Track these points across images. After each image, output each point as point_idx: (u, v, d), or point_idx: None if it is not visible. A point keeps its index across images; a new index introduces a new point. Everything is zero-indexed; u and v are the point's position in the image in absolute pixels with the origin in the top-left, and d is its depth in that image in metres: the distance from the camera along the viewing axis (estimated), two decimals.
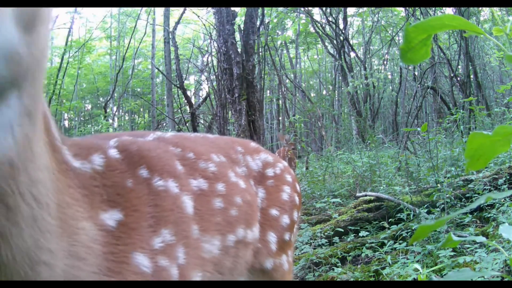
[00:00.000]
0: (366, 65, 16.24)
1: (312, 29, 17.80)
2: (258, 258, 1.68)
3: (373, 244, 3.80)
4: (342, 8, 14.16)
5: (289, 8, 14.44)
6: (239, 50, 7.51)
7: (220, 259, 1.43)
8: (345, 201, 5.66)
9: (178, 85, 9.70)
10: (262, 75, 12.11)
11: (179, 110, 14.96)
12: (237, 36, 7.91)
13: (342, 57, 14.03)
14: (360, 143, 9.13)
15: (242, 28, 7.81)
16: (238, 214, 1.52)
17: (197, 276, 1.29)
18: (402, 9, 14.35)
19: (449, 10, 10.69)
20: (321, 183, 7.25)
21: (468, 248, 3.17)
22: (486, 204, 3.94)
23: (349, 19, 16.76)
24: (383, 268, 3.19)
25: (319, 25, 15.94)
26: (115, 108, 21.22)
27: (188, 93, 16.56)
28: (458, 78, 10.94)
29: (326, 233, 4.23)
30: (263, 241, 1.70)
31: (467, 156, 1.01)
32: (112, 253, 1.03)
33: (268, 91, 21.48)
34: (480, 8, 12.90)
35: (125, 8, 19.67)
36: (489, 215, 3.78)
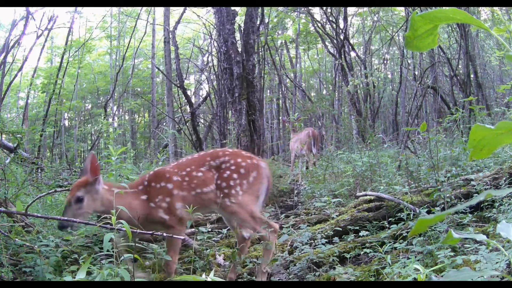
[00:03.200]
0: (366, 65, 16.23)
1: (312, 29, 17.80)
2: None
3: (373, 244, 3.80)
4: (342, 8, 14.15)
5: (289, 7, 14.44)
6: (239, 49, 7.51)
7: None
8: (346, 201, 5.66)
9: (178, 85, 9.71)
10: (262, 75, 12.11)
11: (179, 110, 14.97)
12: (237, 35, 7.91)
13: (342, 56, 14.03)
14: (360, 143, 9.13)
15: (242, 28, 7.81)
16: None
17: None
18: (402, 8, 14.35)
19: None
20: (321, 182, 7.25)
21: (469, 247, 3.18)
22: (486, 204, 3.95)
23: (349, 18, 16.74)
24: (384, 268, 3.19)
25: (319, 24, 15.93)
26: (115, 108, 21.23)
27: (188, 92, 16.55)
28: (458, 78, 10.94)
29: (326, 233, 4.23)
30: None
31: (470, 146, 1.02)
32: None
33: (268, 91, 21.47)
34: (480, 8, 12.90)
35: (125, 8, 19.65)
36: (489, 215, 3.79)
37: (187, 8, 12.62)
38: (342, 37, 14.11)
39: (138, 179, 3.67)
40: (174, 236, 3.10)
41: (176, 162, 3.75)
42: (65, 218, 2.95)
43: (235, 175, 3.56)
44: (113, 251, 2.62)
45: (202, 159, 3.65)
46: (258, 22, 8.71)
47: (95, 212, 3.28)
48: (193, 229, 4.51)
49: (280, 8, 14.49)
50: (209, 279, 1.87)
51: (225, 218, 3.92)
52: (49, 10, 19.57)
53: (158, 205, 3.37)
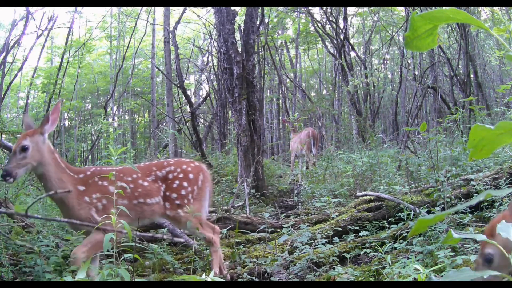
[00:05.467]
0: (366, 65, 16.22)
1: (312, 29, 17.79)
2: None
3: (373, 244, 3.80)
4: (342, 8, 14.14)
5: (289, 7, 14.43)
6: (239, 49, 7.50)
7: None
8: (346, 201, 5.67)
9: (178, 85, 9.70)
10: (262, 75, 12.10)
11: (179, 110, 14.96)
12: (237, 35, 7.91)
13: (342, 56, 14.02)
14: (360, 143, 9.14)
15: (242, 28, 7.80)
16: None
17: None
18: (402, 8, 14.34)
19: None
20: (321, 182, 7.25)
21: (469, 248, 3.18)
22: (486, 204, 3.95)
23: (349, 18, 16.73)
24: (384, 268, 3.19)
25: (319, 24, 15.92)
26: (115, 108, 21.21)
27: (188, 92, 16.54)
28: (458, 78, 10.94)
29: (326, 233, 4.23)
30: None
31: (470, 146, 1.02)
32: None
33: (268, 91, 21.45)
34: (480, 8, 12.89)
35: (125, 8, 19.64)
36: (489, 215, 3.79)
37: (187, 8, 12.62)
38: (342, 37, 14.11)
39: (82, 168, 3.49)
40: (175, 238, 3.10)
41: (121, 167, 3.54)
42: (65, 220, 2.95)
43: (185, 183, 3.54)
44: (113, 251, 2.62)
45: (148, 168, 3.55)
46: (258, 22, 8.71)
47: (36, 169, 3.05)
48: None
49: (280, 8, 14.47)
50: (209, 279, 1.87)
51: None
52: (49, 10, 19.55)
53: (92, 202, 3.13)
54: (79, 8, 13.86)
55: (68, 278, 2.37)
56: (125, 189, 3.11)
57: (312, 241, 4.04)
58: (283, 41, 19.73)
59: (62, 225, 4.42)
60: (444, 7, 0.99)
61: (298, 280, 3.54)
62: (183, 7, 11.95)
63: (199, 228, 3.52)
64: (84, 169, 3.35)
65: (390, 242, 3.71)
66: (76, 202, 3.08)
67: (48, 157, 3.06)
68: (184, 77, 13.35)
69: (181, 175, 3.55)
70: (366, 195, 5.00)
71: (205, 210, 3.71)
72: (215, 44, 11.29)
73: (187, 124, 12.21)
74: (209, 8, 12.06)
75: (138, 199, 3.35)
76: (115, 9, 20.17)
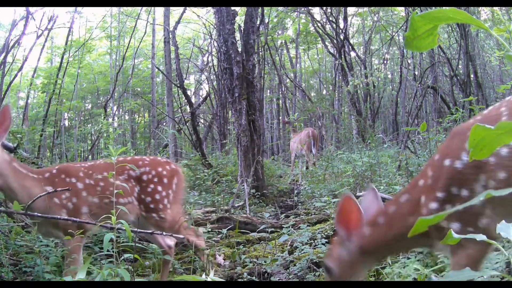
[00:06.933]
0: (366, 65, 16.22)
1: (312, 29, 17.79)
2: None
3: None
4: (342, 8, 14.14)
5: (289, 7, 14.43)
6: (239, 49, 7.50)
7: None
8: None
9: (178, 85, 9.70)
10: (262, 75, 12.10)
11: (179, 110, 14.96)
12: (237, 35, 7.91)
13: (342, 56, 14.02)
14: (360, 143, 9.14)
15: (242, 28, 7.80)
16: None
17: None
18: (402, 8, 14.34)
19: None
20: (321, 182, 7.26)
21: None
22: None
23: (349, 18, 16.73)
24: (384, 268, 3.19)
25: (319, 24, 15.93)
26: (115, 108, 21.21)
27: (188, 92, 16.54)
28: (458, 78, 10.93)
29: (326, 233, 4.23)
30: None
31: (470, 146, 1.02)
32: None
33: (268, 91, 21.45)
34: (480, 8, 12.90)
35: (125, 8, 19.64)
36: None
37: (187, 8, 12.62)
38: (342, 37, 14.11)
39: (47, 168, 3.31)
40: (174, 235, 3.09)
41: (91, 163, 3.37)
42: (65, 217, 2.94)
43: (159, 187, 3.37)
44: (113, 251, 2.62)
45: (121, 166, 3.25)
46: (258, 22, 8.71)
47: None
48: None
49: (280, 8, 14.47)
50: (209, 279, 1.87)
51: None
52: (49, 10, 19.55)
53: (62, 204, 3.00)
54: (79, 8, 13.86)
55: (68, 278, 2.37)
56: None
57: (312, 241, 4.04)
58: (283, 41, 19.73)
59: None
60: (444, 7, 0.99)
61: (298, 280, 3.54)
62: (183, 7, 11.95)
63: (180, 231, 3.43)
64: (50, 168, 3.22)
65: None
66: (45, 206, 2.89)
67: (4, 168, 2.85)
68: (184, 77, 13.35)
69: (155, 179, 3.39)
70: None
71: (182, 212, 3.63)
72: (215, 44, 11.29)
73: (187, 124, 12.20)
74: (209, 8, 12.06)
75: (109, 198, 3.12)
76: (115, 9, 20.18)
